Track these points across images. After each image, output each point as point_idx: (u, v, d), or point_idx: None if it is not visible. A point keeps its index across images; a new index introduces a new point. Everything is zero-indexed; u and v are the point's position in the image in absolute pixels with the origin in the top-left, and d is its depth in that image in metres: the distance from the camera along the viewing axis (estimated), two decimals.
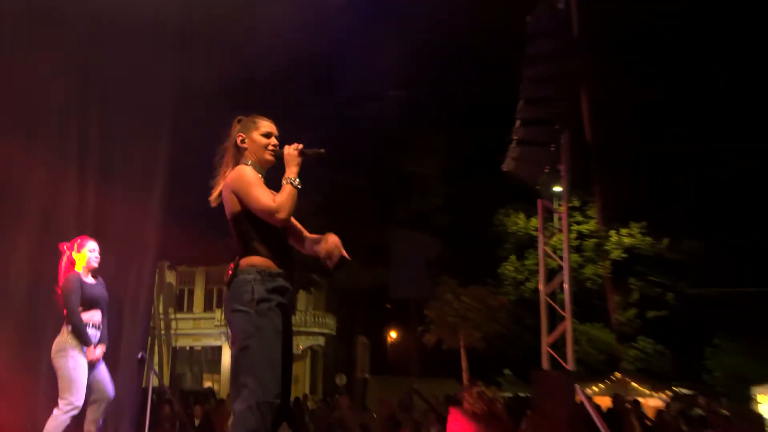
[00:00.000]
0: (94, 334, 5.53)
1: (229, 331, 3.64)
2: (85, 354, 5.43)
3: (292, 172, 3.44)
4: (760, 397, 17.53)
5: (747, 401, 17.13)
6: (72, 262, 5.57)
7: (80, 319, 5.42)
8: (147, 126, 7.75)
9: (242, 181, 3.46)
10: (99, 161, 7.73)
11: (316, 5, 10.11)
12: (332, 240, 3.50)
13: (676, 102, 23.73)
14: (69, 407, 5.30)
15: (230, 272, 3.46)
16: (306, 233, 3.71)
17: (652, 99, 22.53)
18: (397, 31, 17.71)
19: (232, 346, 3.53)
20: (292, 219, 3.60)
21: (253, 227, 3.47)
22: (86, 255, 5.58)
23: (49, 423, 5.29)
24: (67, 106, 7.16)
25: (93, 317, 5.53)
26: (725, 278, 23.45)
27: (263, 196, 3.40)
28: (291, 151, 3.50)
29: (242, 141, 3.62)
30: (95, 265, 5.61)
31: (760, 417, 12.93)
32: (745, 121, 20.56)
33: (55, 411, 5.33)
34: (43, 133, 7.05)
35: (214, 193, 3.67)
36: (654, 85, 22.34)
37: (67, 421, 5.30)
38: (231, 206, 3.51)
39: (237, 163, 3.62)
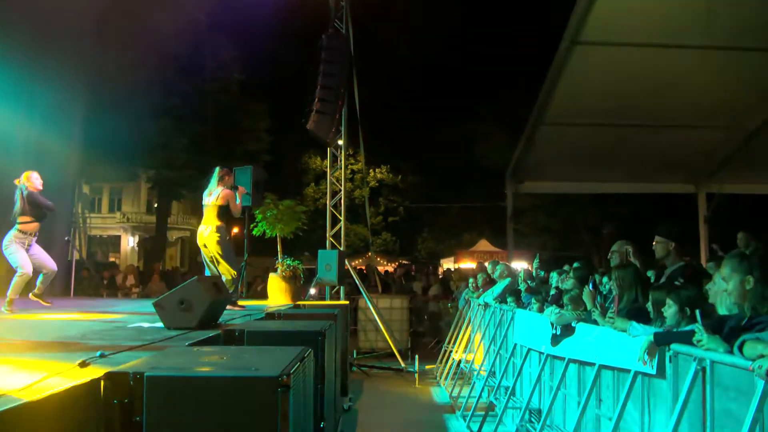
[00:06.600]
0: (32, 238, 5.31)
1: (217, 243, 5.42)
2: (18, 245, 5.16)
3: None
4: (444, 263, 19.55)
5: (437, 266, 19.02)
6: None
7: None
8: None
9: (231, 196, 5.53)
10: None
11: None
12: None
13: (412, 97, 24.99)
14: (20, 270, 5.11)
15: (216, 226, 5.37)
16: None
17: (395, 94, 23.52)
18: (243, 41, 17.24)
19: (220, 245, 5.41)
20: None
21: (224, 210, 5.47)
22: (33, 182, 5.28)
23: (13, 280, 5.13)
24: None
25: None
26: (430, 199, 25.72)
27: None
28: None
29: (227, 182, 5.60)
30: (40, 188, 5.32)
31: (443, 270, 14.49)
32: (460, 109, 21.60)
33: (15, 275, 5.16)
34: None
35: (215, 193, 5.44)
36: (395, 85, 23.19)
37: (20, 281, 5.09)
38: (225, 202, 5.43)
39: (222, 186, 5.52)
